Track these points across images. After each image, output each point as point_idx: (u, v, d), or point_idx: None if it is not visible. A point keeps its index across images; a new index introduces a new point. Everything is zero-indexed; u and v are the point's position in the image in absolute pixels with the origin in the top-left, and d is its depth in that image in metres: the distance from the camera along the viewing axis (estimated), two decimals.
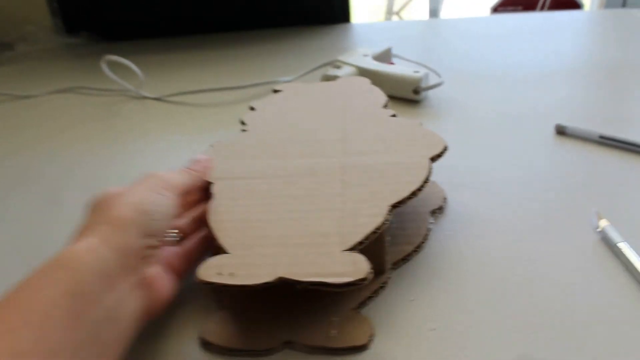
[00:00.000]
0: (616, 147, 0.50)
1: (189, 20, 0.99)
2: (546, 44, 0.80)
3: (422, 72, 0.62)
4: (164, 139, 0.60)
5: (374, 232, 0.32)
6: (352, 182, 0.36)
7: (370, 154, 0.39)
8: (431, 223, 0.41)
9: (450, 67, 0.72)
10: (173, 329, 0.34)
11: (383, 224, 0.32)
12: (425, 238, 0.39)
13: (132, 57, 0.72)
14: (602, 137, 0.50)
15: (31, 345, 0.23)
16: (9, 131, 0.66)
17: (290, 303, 0.34)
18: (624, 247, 0.36)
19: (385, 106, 0.46)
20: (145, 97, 0.72)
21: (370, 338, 0.32)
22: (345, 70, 0.65)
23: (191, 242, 0.36)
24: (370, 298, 0.34)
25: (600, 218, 0.39)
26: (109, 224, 0.29)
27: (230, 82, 0.71)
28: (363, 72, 0.65)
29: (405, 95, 0.63)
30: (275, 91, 0.51)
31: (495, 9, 1.76)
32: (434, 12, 1.89)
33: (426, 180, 0.35)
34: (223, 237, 0.33)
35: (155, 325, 0.33)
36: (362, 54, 0.68)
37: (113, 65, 0.72)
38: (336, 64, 0.67)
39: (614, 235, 0.37)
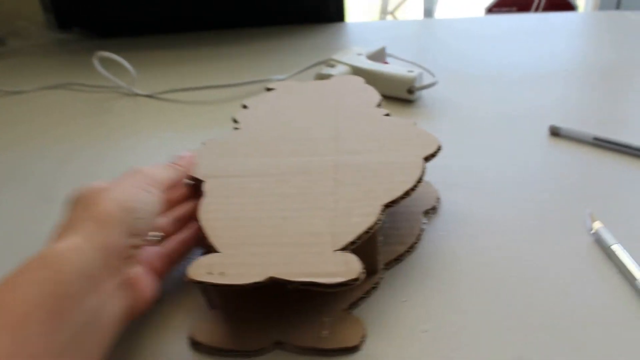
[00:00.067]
0: (610, 149, 0.49)
1: (182, 17, 0.99)
2: (540, 45, 0.80)
3: (416, 71, 0.62)
4: (156, 137, 0.60)
5: (366, 232, 0.31)
6: (344, 181, 0.36)
7: (364, 153, 0.39)
8: (424, 223, 0.40)
9: (444, 67, 0.71)
10: (162, 329, 0.33)
11: (376, 223, 0.32)
12: (418, 238, 0.39)
13: (124, 53, 0.71)
14: (596, 138, 0.50)
15: (9, 349, 0.22)
16: None
17: (281, 303, 0.33)
18: (618, 249, 0.36)
19: (379, 105, 0.45)
20: (137, 94, 0.71)
21: (362, 339, 0.31)
22: (339, 69, 0.64)
23: (173, 242, 0.36)
24: (362, 298, 0.34)
25: (594, 220, 0.39)
26: (93, 220, 0.28)
27: (223, 80, 0.71)
28: (357, 71, 0.64)
29: (399, 94, 0.62)
30: (269, 89, 0.50)
31: (490, 10, 1.77)
32: (428, 12, 1.89)
33: (420, 180, 0.35)
34: (214, 236, 0.32)
35: (144, 325, 0.33)
36: (356, 53, 0.68)
37: (105, 62, 0.71)
38: (330, 63, 0.66)
39: (607, 237, 0.37)
